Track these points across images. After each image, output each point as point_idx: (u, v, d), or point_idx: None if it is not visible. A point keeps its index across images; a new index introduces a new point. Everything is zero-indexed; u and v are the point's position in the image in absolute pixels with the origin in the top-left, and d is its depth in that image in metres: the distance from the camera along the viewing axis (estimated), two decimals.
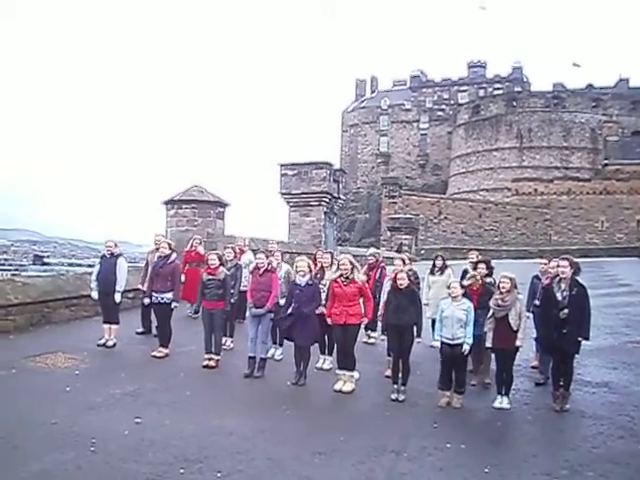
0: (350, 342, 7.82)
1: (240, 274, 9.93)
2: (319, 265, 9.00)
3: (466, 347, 7.22)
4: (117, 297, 9.61)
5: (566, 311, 7.06)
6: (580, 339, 7.23)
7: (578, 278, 7.36)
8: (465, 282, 8.14)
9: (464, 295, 7.52)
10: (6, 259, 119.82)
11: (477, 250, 11.69)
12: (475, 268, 9.00)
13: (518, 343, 7.24)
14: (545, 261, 9.07)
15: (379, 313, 8.47)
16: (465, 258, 10.44)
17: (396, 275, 7.70)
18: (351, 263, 7.86)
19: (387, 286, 8.52)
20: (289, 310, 8.00)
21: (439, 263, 10.23)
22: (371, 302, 8.02)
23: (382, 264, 10.72)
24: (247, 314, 9.16)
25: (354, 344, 7.89)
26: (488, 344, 7.39)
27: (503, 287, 7.32)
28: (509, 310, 7.24)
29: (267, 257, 8.80)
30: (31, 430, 5.82)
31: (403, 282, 7.52)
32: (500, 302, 7.30)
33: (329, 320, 7.90)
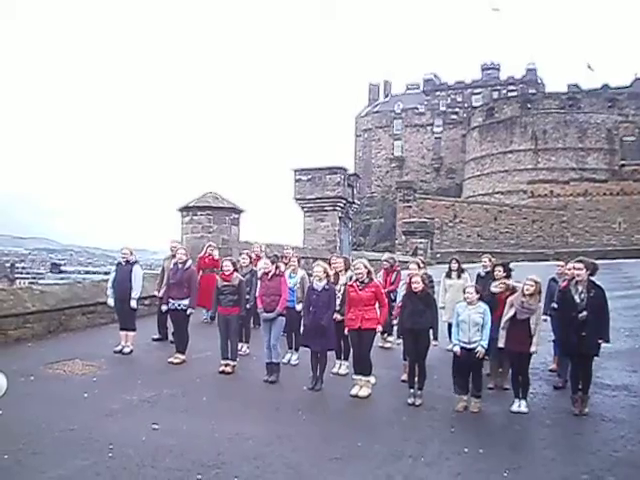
0: (366, 347, 7.80)
1: (256, 280, 9.93)
2: (334, 270, 9.00)
3: (480, 349, 7.16)
4: (133, 303, 9.67)
5: (585, 313, 6.99)
6: (600, 341, 7.16)
7: (595, 280, 7.29)
8: (493, 289, 8.03)
9: (482, 299, 7.47)
10: (24, 267, 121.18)
11: (492, 253, 11.61)
12: (492, 271, 8.94)
13: (533, 349, 7.18)
14: (562, 263, 8.98)
15: (394, 315, 8.45)
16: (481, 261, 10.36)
17: (411, 279, 7.67)
18: (366, 267, 7.85)
19: (402, 290, 8.50)
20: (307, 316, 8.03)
21: (455, 267, 10.19)
22: (385, 308, 7.96)
23: (398, 267, 10.72)
24: None
25: (370, 349, 7.87)
26: (500, 344, 7.33)
27: (527, 289, 7.24)
28: (532, 314, 7.19)
29: (274, 262, 8.80)
30: (50, 436, 5.86)
31: (418, 286, 7.49)
32: (526, 304, 7.22)
33: (346, 330, 7.89)
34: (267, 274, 8.56)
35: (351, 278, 8.37)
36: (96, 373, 8.37)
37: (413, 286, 7.52)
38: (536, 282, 7.33)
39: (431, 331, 7.58)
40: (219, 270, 9.44)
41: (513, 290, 7.86)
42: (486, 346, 7.20)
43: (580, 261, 7.30)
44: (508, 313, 7.35)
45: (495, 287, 8.10)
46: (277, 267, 8.68)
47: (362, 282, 7.77)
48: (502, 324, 7.38)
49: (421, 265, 9.86)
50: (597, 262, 8.00)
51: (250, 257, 10.48)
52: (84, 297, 11.75)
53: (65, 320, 11.12)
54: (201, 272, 11.96)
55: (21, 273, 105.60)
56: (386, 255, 11.35)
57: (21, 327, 10.18)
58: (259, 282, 8.98)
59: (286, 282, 8.73)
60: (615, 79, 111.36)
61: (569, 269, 8.22)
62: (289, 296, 8.80)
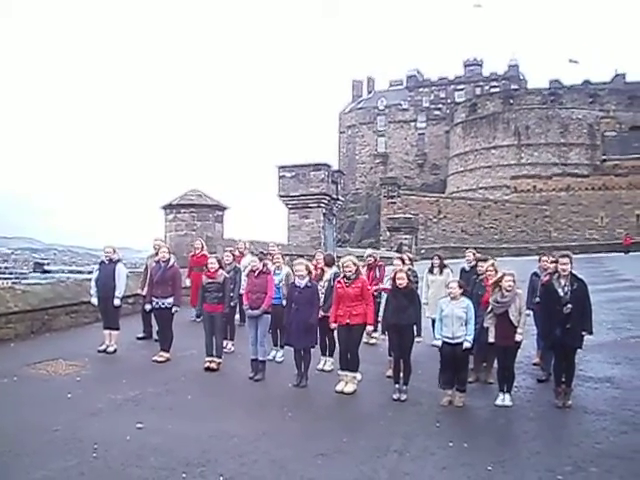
0: (354, 343, 7.80)
1: (239, 277, 9.93)
2: (318, 267, 9.00)
3: (467, 344, 7.21)
4: (117, 302, 9.60)
5: (570, 306, 7.06)
6: (584, 334, 7.23)
7: (576, 273, 7.36)
8: (494, 299, 7.51)
9: (466, 294, 7.51)
10: (6, 267, 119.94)
11: (476, 248, 11.67)
12: (476, 266, 8.99)
13: (518, 338, 7.23)
14: (545, 258, 9.04)
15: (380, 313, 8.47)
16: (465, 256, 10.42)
17: (395, 274, 7.69)
18: (355, 264, 7.87)
19: (387, 285, 8.52)
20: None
21: (437, 262, 10.23)
22: (371, 305, 7.95)
23: (380, 263, 10.72)
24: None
25: (358, 345, 7.88)
26: (491, 339, 7.37)
27: (509, 286, 7.28)
28: (508, 306, 7.24)
29: (260, 260, 8.81)
30: (33, 437, 5.81)
31: (402, 282, 7.51)
32: (499, 298, 7.29)
33: (333, 325, 7.90)
34: (254, 271, 8.55)
35: (337, 274, 8.38)
36: (80, 373, 8.31)
37: (397, 282, 7.54)
38: (513, 276, 7.38)
39: (415, 327, 7.61)
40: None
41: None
42: (471, 341, 7.25)
43: (566, 255, 7.36)
44: (487, 309, 7.42)
45: (494, 294, 7.67)
46: (264, 265, 8.67)
47: (349, 278, 7.78)
48: (485, 322, 7.43)
49: (406, 261, 9.87)
50: (580, 257, 8.07)
51: (233, 254, 10.46)
52: (67, 297, 11.65)
53: (48, 320, 11.02)
54: (193, 270, 11.95)
55: (4, 273, 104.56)
56: (368, 251, 11.37)
57: (3, 327, 10.07)
58: (245, 279, 8.96)
59: (273, 280, 8.71)
60: (596, 75, 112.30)
61: (550, 262, 8.31)
62: (275, 293, 8.79)
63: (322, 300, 8.25)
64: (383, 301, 8.63)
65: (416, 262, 17.16)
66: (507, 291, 7.27)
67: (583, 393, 7.73)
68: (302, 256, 10.06)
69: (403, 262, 9.45)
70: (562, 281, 7.24)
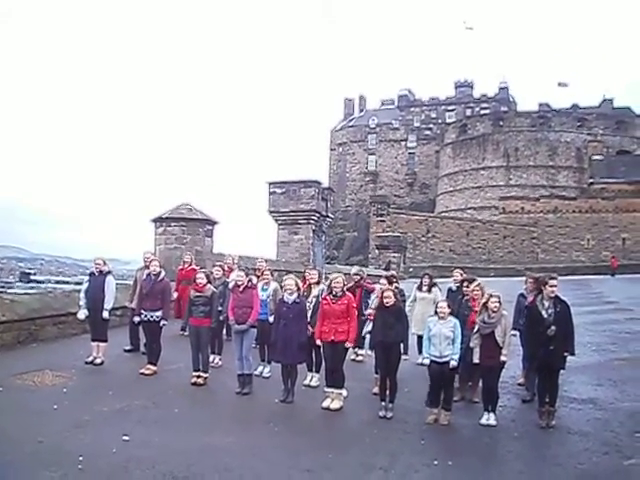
0: (339, 359, 7.85)
1: (228, 292, 9.95)
2: (307, 283, 9.04)
3: (453, 363, 7.28)
4: (105, 314, 9.58)
5: (553, 328, 7.15)
6: (566, 354, 7.32)
7: (561, 295, 7.47)
8: (481, 320, 7.55)
9: (452, 314, 7.61)
10: None
11: (464, 268, 11.76)
12: (462, 286, 9.08)
13: (503, 358, 7.31)
14: (531, 280, 9.05)
15: (366, 329, 8.52)
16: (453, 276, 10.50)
17: (383, 293, 7.77)
18: (344, 282, 7.95)
19: (374, 303, 8.57)
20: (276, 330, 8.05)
21: (427, 281, 10.31)
22: (354, 322, 7.97)
23: (367, 281, 10.73)
24: None
25: (343, 361, 7.92)
26: (476, 360, 7.45)
27: (495, 306, 7.38)
28: (495, 327, 7.32)
29: (247, 274, 8.85)
30: (18, 448, 5.79)
31: (389, 300, 7.58)
32: (486, 319, 7.38)
33: (318, 342, 7.95)
34: (239, 286, 8.59)
35: (324, 291, 8.43)
36: (67, 384, 8.28)
37: (385, 300, 7.61)
38: (498, 297, 7.49)
39: (402, 345, 7.67)
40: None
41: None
42: (457, 359, 7.32)
43: (554, 277, 7.47)
44: (473, 330, 7.51)
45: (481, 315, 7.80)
46: (249, 280, 8.71)
47: (335, 295, 7.84)
48: (471, 342, 7.51)
49: (392, 280, 9.87)
50: (566, 279, 8.18)
51: (223, 269, 10.49)
52: (55, 307, 11.61)
53: (35, 330, 10.96)
54: (181, 284, 11.97)
55: None
56: (355, 268, 11.22)
57: None
58: (231, 294, 9.00)
59: (258, 295, 8.75)
60: (584, 99, 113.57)
61: (531, 283, 8.45)
62: (262, 308, 8.82)
63: (309, 316, 8.30)
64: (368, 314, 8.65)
65: (403, 280, 17.25)
66: (493, 312, 7.36)
67: (567, 414, 7.80)
68: (291, 272, 10.09)
69: (390, 282, 9.48)
70: (546, 303, 7.34)
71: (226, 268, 11.34)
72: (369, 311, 8.98)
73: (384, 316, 7.61)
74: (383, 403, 7.56)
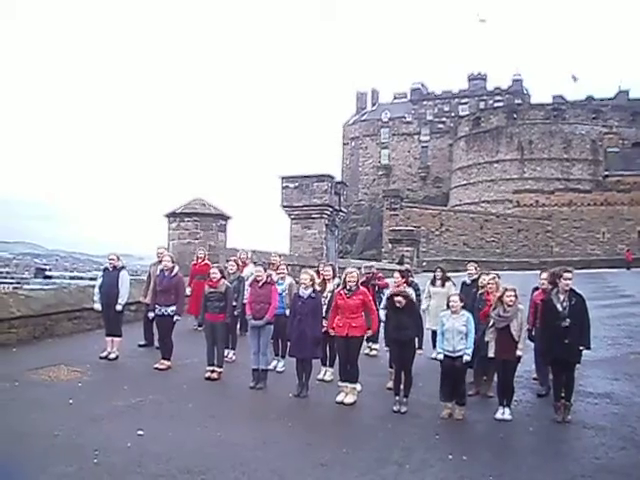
0: (353, 354, 7.84)
1: (243, 287, 9.96)
2: (322, 278, 9.01)
3: (466, 357, 7.24)
4: (118, 307, 9.62)
5: (568, 321, 7.09)
6: (582, 348, 7.26)
7: (577, 288, 7.40)
8: (496, 313, 7.48)
9: (466, 307, 7.57)
10: (8, 272, 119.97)
11: (478, 262, 11.67)
12: (478, 279, 9.03)
13: (519, 353, 7.26)
14: (545, 276, 8.90)
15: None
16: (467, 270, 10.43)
17: (394, 297, 7.67)
18: (358, 277, 7.93)
19: (385, 300, 8.50)
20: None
21: (439, 275, 10.26)
22: (375, 315, 8.02)
23: (379, 274, 10.66)
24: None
25: (357, 356, 7.91)
26: (491, 354, 7.40)
27: (510, 301, 7.31)
28: (510, 321, 7.27)
29: (265, 270, 8.84)
30: (34, 442, 5.84)
31: (400, 304, 7.52)
32: (502, 313, 7.32)
33: (331, 332, 7.93)
34: (258, 281, 8.58)
35: (338, 285, 8.42)
36: (81, 379, 8.34)
37: (396, 304, 7.56)
38: (514, 291, 7.43)
39: (416, 339, 7.63)
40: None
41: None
42: (470, 354, 7.28)
43: (569, 271, 7.40)
44: (489, 324, 7.46)
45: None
46: (269, 275, 8.70)
47: (350, 290, 7.82)
48: (486, 336, 7.47)
49: (406, 275, 9.80)
50: (581, 272, 8.12)
51: (237, 264, 10.49)
52: (70, 302, 11.69)
53: (50, 325, 11.06)
54: (195, 279, 12.00)
55: (5, 278, 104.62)
56: (364, 267, 10.90)
57: (5, 332, 10.11)
58: (248, 288, 9.00)
59: (277, 290, 8.73)
60: (599, 91, 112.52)
61: (544, 279, 8.35)
62: (278, 303, 8.82)
63: (324, 311, 8.29)
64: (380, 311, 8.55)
65: (417, 274, 17.19)
66: (509, 306, 7.31)
67: (582, 408, 7.74)
68: (304, 266, 10.08)
69: (403, 277, 9.43)
70: (561, 296, 7.27)
71: (240, 263, 11.35)
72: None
73: (397, 316, 7.57)
74: (397, 398, 7.54)
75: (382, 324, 8.19)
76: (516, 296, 7.38)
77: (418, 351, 7.67)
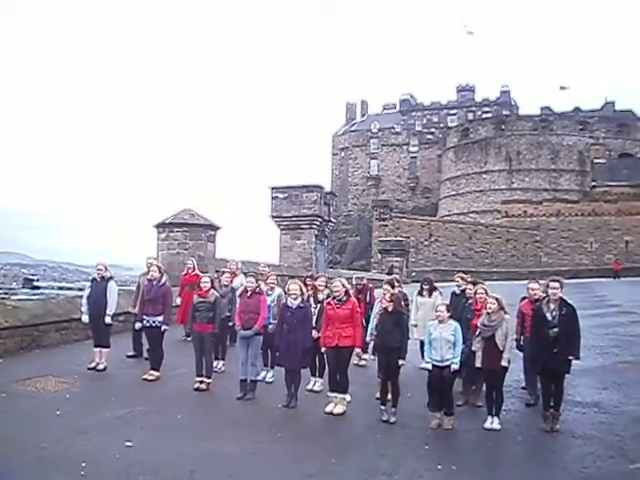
0: (343, 364, 7.83)
1: (235, 297, 9.94)
2: (311, 288, 9.00)
3: (454, 367, 7.24)
4: (107, 319, 9.59)
5: (556, 330, 7.12)
6: (571, 358, 7.29)
7: (566, 298, 7.44)
8: (481, 322, 7.57)
9: (453, 317, 7.59)
10: None
11: (466, 272, 11.73)
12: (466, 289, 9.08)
13: (503, 363, 7.27)
14: (536, 286, 8.91)
15: (369, 334, 8.49)
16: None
17: (384, 297, 7.76)
18: (344, 286, 7.92)
19: (377, 308, 8.55)
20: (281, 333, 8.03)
21: (426, 286, 10.29)
22: (359, 328, 7.96)
23: (370, 286, 10.73)
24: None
25: (347, 366, 7.90)
26: (478, 364, 7.42)
27: (490, 308, 7.38)
28: (495, 330, 7.29)
29: (257, 280, 8.84)
30: (21, 454, 5.79)
31: (389, 306, 7.57)
32: (486, 322, 7.36)
33: (323, 349, 7.91)
34: (247, 291, 8.57)
35: (329, 296, 8.42)
36: (69, 390, 8.28)
37: (385, 305, 7.61)
38: (497, 299, 7.48)
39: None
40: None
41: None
42: (458, 364, 7.29)
43: (557, 280, 7.44)
44: (475, 333, 7.50)
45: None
46: (258, 285, 8.70)
47: (339, 300, 7.82)
48: (473, 345, 7.49)
49: (395, 284, 9.85)
50: (569, 282, 8.16)
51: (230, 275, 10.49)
52: (58, 313, 11.62)
53: (38, 336, 10.98)
54: (185, 289, 11.98)
55: None
56: (355, 277, 11.10)
57: None
58: (238, 299, 8.98)
59: (266, 301, 8.71)
60: (586, 102, 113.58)
61: (534, 289, 8.35)
62: (267, 313, 8.79)
63: (314, 320, 8.29)
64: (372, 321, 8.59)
65: (405, 285, 17.22)
66: (490, 314, 7.34)
67: (571, 417, 7.77)
68: (293, 277, 10.09)
69: (392, 287, 9.45)
70: (551, 305, 7.31)
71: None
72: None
73: (385, 320, 7.60)
74: (384, 407, 7.52)
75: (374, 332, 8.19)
76: (500, 304, 7.42)
77: (400, 361, 7.55)
